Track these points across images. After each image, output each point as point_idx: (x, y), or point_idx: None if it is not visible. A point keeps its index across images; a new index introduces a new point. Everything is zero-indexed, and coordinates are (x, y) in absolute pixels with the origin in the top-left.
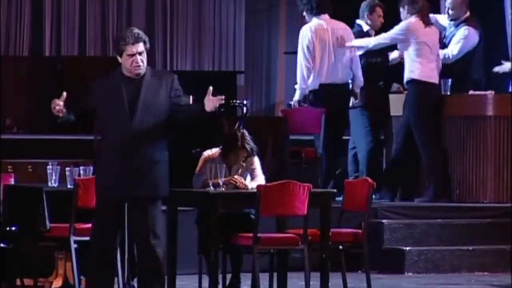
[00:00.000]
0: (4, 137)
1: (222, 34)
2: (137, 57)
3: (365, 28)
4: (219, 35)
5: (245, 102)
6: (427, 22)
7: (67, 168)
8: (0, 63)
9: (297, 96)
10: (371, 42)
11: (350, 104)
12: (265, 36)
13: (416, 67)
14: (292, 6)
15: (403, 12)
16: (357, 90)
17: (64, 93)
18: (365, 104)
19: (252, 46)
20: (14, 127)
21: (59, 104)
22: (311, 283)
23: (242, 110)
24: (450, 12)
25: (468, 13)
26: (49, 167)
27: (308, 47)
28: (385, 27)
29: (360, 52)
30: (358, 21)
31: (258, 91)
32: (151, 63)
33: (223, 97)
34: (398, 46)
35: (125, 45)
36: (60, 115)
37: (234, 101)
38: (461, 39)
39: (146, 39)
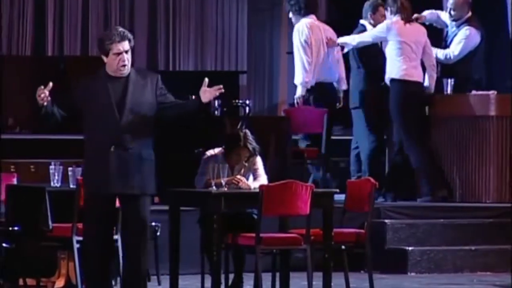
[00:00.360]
0: (6, 137)
1: (224, 33)
2: (123, 55)
3: (369, 28)
4: (222, 35)
5: (247, 102)
6: (408, 21)
7: (70, 168)
8: (3, 62)
9: (299, 92)
10: (354, 39)
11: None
12: (267, 35)
13: (396, 66)
14: None
15: (387, 13)
16: (341, 95)
17: (50, 83)
18: (367, 104)
19: (255, 46)
20: (16, 127)
21: (44, 92)
22: (313, 283)
23: (245, 110)
24: (452, 12)
25: (470, 13)
26: (52, 167)
27: (306, 42)
28: None
29: (345, 50)
30: (361, 21)
31: (261, 91)
32: (153, 62)
33: (221, 86)
34: (383, 45)
35: (111, 44)
36: (45, 103)
37: (237, 101)
38: (462, 39)
39: (131, 37)
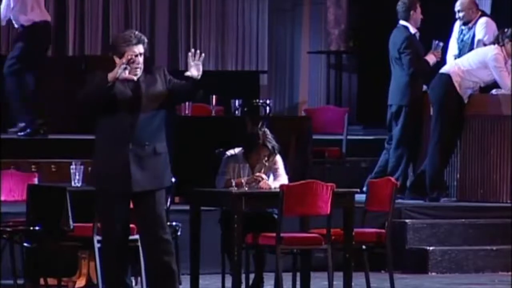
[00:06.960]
0: (27, 136)
1: (245, 33)
2: (138, 58)
3: (412, 30)
4: (242, 35)
5: (268, 101)
6: None
7: (90, 168)
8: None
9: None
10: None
11: None
12: (288, 35)
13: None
14: (316, 5)
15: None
16: None
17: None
18: (410, 105)
19: (275, 46)
20: None
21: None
22: (334, 283)
23: (265, 109)
24: (460, 14)
25: (479, 13)
26: (73, 166)
27: None
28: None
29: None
30: (404, 23)
31: (281, 90)
32: (174, 62)
33: (198, 52)
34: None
35: (127, 46)
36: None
37: (257, 100)
38: (482, 28)
39: (146, 40)
